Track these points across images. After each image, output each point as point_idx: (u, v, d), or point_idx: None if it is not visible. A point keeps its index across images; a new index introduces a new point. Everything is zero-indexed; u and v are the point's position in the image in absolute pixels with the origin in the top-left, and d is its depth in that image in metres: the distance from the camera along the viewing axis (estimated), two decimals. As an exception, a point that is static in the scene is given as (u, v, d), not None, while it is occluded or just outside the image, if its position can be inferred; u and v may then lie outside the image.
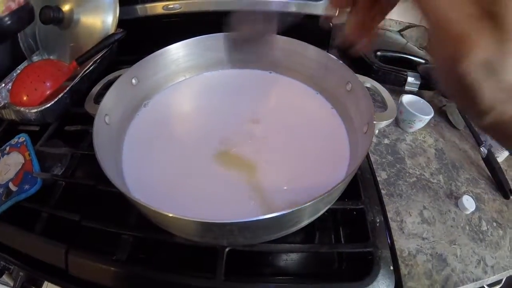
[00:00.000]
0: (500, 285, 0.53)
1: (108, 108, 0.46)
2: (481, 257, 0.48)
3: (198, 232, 0.37)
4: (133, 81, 0.51)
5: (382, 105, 0.47)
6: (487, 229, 0.51)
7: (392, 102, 0.44)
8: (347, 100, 0.49)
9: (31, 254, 0.46)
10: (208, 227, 0.33)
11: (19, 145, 0.56)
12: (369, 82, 0.47)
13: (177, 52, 0.55)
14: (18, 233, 0.47)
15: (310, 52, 0.52)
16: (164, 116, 0.54)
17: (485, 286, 0.50)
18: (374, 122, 0.40)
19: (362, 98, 0.44)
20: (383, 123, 0.42)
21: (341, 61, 0.49)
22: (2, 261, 0.51)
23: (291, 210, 0.31)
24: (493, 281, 0.48)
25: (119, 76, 0.48)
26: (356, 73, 0.47)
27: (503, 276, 0.48)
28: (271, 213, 0.30)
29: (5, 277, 0.54)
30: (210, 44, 0.56)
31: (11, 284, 0.54)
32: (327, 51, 0.52)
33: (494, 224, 0.52)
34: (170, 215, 0.32)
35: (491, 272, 0.46)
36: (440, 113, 0.68)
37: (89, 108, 0.45)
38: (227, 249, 0.41)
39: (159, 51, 0.53)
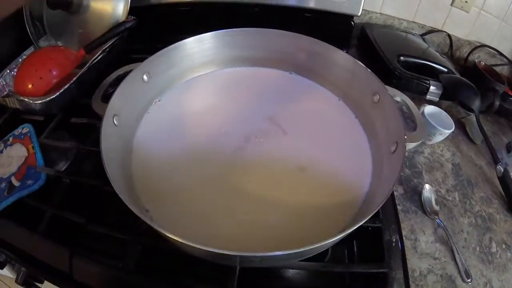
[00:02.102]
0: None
1: (117, 107, 0.41)
2: (488, 279, 0.45)
3: (212, 257, 0.33)
4: (145, 77, 0.45)
5: (405, 116, 0.42)
6: (496, 251, 0.48)
7: (422, 121, 0.40)
8: (373, 112, 0.44)
9: (33, 254, 0.43)
10: (224, 256, 0.29)
11: (22, 136, 0.51)
12: (399, 96, 0.42)
13: (193, 46, 0.49)
14: (20, 232, 0.44)
15: (336, 56, 0.47)
16: (177, 115, 0.49)
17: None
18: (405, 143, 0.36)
19: (391, 114, 0.39)
20: (413, 145, 0.38)
21: (369, 70, 0.43)
22: (4, 254, 0.48)
23: (316, 245, 0.27)
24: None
25: (129, 72, 0.43)
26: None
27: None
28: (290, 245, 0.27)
29: (6, 269, 0.51)
30: (229, 39, 0.50)
31: (14, 276, 0.51)
32: (347, 52, 0.46)
33: (504, 246, 0.49)
34: (185, 242, 0.27)
35: (496, 295, 0.44)
36: (458, 125, 0.63)
37: (96, 107, 0.40)
38: (239, 267, 0.38)
39: (173, 45, 0.47)
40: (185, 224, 0.37)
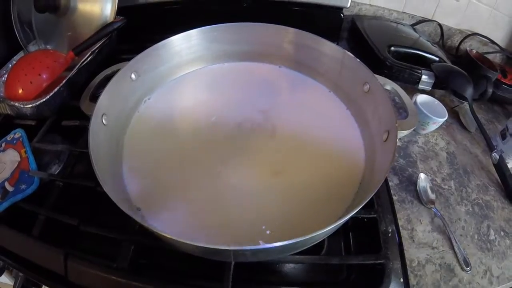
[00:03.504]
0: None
1: (105, 107, 0.40)
2: (488, 267, 0.44)
3: (205, 254, 0.32)
4: (133, 76, 0.44)
5: (397, 106, 0.41)
6: (495, 238, 0.47)
7: (414, 109, 0.39)
8: (364, 102, 0.43)
9: (29, 258, 0.42)
10: (216, 251, 0.28)
11: (15, 142, 0.50)
12: (389, 85, 0.41)
13: (180, 44, 0.48)
14: (15, 236, 0.43)
15: (324, 47, 0.46)
16: (166, 112, 0.48)
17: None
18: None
19: (382, 103, 0.38)
20: (404, 133, 0.37)
21: (359, 60, 0.42)
22: (1, 261, 0.47)
23: (307, 237, 0.26)
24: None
25: (117, 71, 0.42)
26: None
27: (507, 286, 0.44)
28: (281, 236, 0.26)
29: (5, 276, 0.50)
30: (216, 35, 0.49)
31: (12, 282, 0.50)
32: (337, 44, 0.45)
33: (502, 233, 0.48)
34: (175, 238, 0.27)
35: (496, 282, 0.43)
36: (452, 113, 0.62)
37: (84, 108, 0.39)
38: (233, 262, 0.37)
39: (160, 43, 0.46)
40: (177, 221, 0.36)
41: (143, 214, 0.37)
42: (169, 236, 0.27)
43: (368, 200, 0.31)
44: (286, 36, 0.47)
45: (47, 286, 0.43)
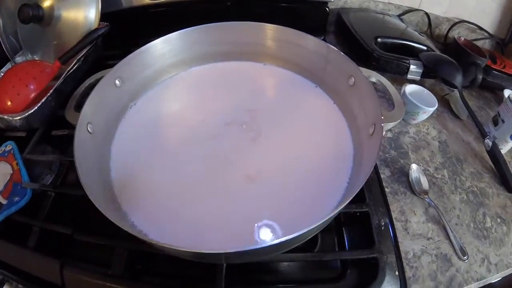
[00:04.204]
0: (498, 278, 0.49)
1: (90, 115, 0.39)
2: (485, 255, 0.43)
3: (197, 258, 0.32)
4: (117, 82, 0.44)
5: (386, 97, 0.40)
6: (491, 225, 0.46)
7: (400, 100, 0.38)
8: (350, 96, 0.42)
9: (26, 270, 0.42)
10: (204, 255, 0.28)
11: (6, 154, 0.50)
12: (374, 77, 0.40)
13: (162, 47, 0.48)
14: (11, 249, 0.43)
15: (307, 42, 0.45)
16: (154, 117, 0.47)
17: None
18: (382, 124, 0.34)
19: (367, 95, 0.38)
20: (391, 125, 0.36)
21: (342, 53, 0.41)
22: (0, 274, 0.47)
23: (295, 235, 0.26)
24: (496, 280, 0.44)
25: (100, 79, 0.41)
26: (355, 61, 0.41)
27: (505, 273, 0.44)
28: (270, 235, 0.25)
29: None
30: (197, 37, 0.48)
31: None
32: (324, 38, 0.44)
33: (498, 220, 0.47)
34: (165, 245, 0.26)
35: (495, 270, 0.43)
36: (442, 102, 0.61)
37: (69, 118, 0.39)
38: (225, 264, 0.36)
39: (142, 47, 0.46)
40: (167, 226, 0.36)
41: (132, 220, 0.36)
42: (154, 242, 0.27)
43: (355, 194, 0.31)
44: (268, 33, 0.47)
45: (44, 296, 0.42)
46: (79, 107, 0.40)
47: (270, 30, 0.46)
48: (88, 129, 0.38)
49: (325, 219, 0.29)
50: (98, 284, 0.38)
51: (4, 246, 0.43)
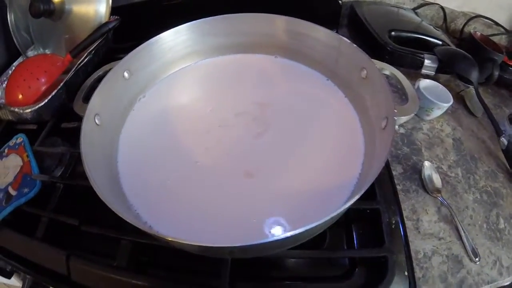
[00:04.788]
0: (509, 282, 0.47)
1: (98, 107, 0.39)
2: (497, 257, 0.42)
3: (201, 251, 0.31)
4: (125, 74, 0.43)
5: (399, 93, 0.38)
6: (505, 227, 0.44)
7: (414, 94, 0.36)
8: (362, 89, 0.41)
9: (33, 260, 0.42)
10: (211, 249, 0.27)
11: (17, 147, 0.50)
12: (387, 69, 0.38)
13: (173, 39, 0.47)
14: (19, 239, 0.43)
15: (319, 34, 0.44)
16: (162, 110, 0.47)
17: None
18: (395, 117, 0.32)
19: (379, 88, 0.36)
20: (404, 118, 0.34)
21: (355, 45, 0.40)
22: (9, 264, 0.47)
23: (302, 230, 0.25)
24: (508, 283, 0.42)
25: (109, 71, 0.41)
26: (369, 55, 0.39)
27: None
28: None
29: (14, 278, 0.50)
30: (209, 28, 0.47)
31: (20, 284, 0.50)
32: (336, 31, 0.43)
33: (512, 221, 0.45)
34: (170, 239, 0.26)
35: (507, 273, 0.41)
36: (457, 98, 0.58)
37: (77, 109, 0.39)
38: (230, 258, 0.36)
39: (152, 39, 0.45)
40: (173, 219, 0.35)
41: (138, 212, 0.36)
42: (158, 235, 0.26)
43: (366, 189, 0.29)
44: (279, 25, 0.45)
45: (51, 286, 0.43)
46: (87, 99, 0.40)
47: (282, 22, 0.45)
48: (96, 120, 0.38)
49: (334, 214, 0.28)
50: (103, 275, 0.38)
51: (13, 236, 0.44)
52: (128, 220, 0.28)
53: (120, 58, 0.46)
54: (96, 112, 0.38)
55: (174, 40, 0.46)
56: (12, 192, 0.46)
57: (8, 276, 0.50)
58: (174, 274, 0.38)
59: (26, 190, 0.45)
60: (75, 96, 0.52)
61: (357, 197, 0.29)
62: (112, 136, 0.41)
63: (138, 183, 0.38)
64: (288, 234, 0.25)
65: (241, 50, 0.50)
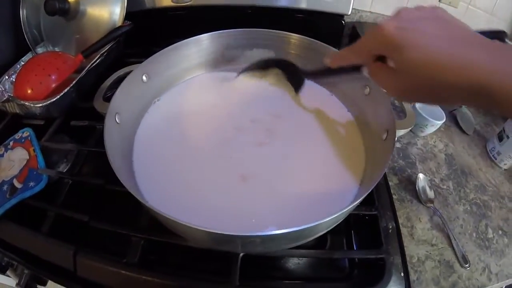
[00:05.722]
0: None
1: (118, 106, 0.43)
2: (486, 264, 0.47)
3: (217, 242, 0.36)
4: (144, 78, 0.48)
5: (397, 110, 0.45)
6: (493, 236, 0.51)
7: (411, 110, 0.43)
8: (365, 104, 0.47)
9: (37, 254, 0.44)
10: (229, 238, 0.32)
11: (23, 140, 0.53)
12: (388, 88, 0.45)
13: (189, 48, 0.52)
14: (24, 233, 0.45)
15: (327, 52, 0.50)
16: (175, 114, 0.51)
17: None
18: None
19: (381, 104, 0.42)
20: (402, 132, 0.41)
21: (359, 64, 0.47)
22: (6, 258, 0.49)
23: (316, 223, 0.30)
24: (498, 289, 0.48)
25: (129, 72, 0.46)
26: None
27: (506, 283, 0.48)
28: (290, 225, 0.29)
29: (5, 276, 0.52)
30: (223, 40, 0.53)
31: (16, 280, 0.52)
32: (338, 49, 0.49)
33: (500, 232, 0.51)
34: (192, 226, 0.30)
35: (495, 279, 0.46)
36: (450, 117, 0.66)
37: (98, 106, 0.43)
38: (241, 255, 0.40)
39: (170, 46, 0.50)
40: (187, 214, 0.39)
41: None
42: (180, 222, 0.30)
43: (368, 193, 0.35)
44: (291, 42, 0.52)
45: (55, 282, 0.45)
46: (106, 98, 0.45)
47: (294, 40, 0.52)
48: (116, 119, 0.42)
49: (339, 213, 0.33)
50: (112, 271, 0.41)
51: (17, 230, 0.46)
52: (147, 205, 0.32)
53: (130, 62, 0.51)
54: (116, 111, 0.42)
55: (192, 49, 0.52)
56: (18, 185, 0.48)
57: (2, 270, 0.52)
58: (184, 272, 0.42)
59: (32, 184, 0.48)
60: (83, 96, 0.57)
61: (361, 198, 0.35)
62: (129, 136, 0.46)
63: (152, 183, 0.42)
64: (298, 228, 0.30)
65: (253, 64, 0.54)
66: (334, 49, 0.50)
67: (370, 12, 0.82)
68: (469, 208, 0.53)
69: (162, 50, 0.49)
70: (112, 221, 0.45)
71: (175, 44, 0.50)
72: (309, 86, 0.54)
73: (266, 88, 0.55)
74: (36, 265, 0.44)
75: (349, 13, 0.68)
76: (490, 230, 0.51)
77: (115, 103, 0.42)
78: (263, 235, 0.30)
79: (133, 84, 0.46)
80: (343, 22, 0.71)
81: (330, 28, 0.70)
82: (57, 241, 0.44)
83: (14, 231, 0.46)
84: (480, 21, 0.80)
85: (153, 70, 0.49)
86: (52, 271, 0.44)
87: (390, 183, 0.53)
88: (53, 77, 0.56)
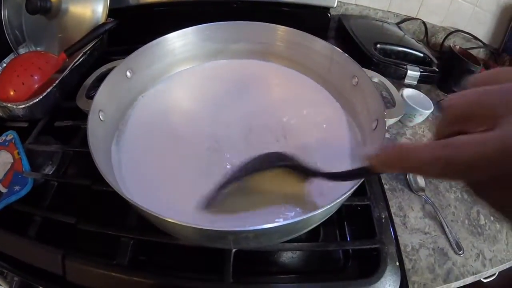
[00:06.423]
0: (494, 276, 0.53)
1: (102, 103, 0.42)
2: (480, 250, 0.47)
3: (208, 239, 0.34)
4: (128, 73, 0.47)
5: (385, 100, 0.44)
6: (485, 223, 0.51)
7: (400, 99, 0.42)
8: (353, 95, 0.46)
9: (25, 260, 0.43)
10: (221, 234, 0.30)
11: (7, 143, 0.51)
12: (376, 77, 0.44)
13: (173, 42, 0.51)
14: (10, 238, 0.44)
15: (314, 44, 0.49)
16: (161, 109, 0.50)
17: (481, 278, 0.50)
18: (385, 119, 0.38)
19: (369, 94, 0.42)
20: (392, 121, 0.40)
21: (347, 55, 0.46)
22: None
23: (309, 215, 0.29)
24: (490, 274, 0.48)
25: (112, 69, 0.44)
26: None
27: (500, 269, 0.48)
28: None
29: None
30: (208, 34, 0.52)
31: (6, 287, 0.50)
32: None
33: (492, 218, 0.51)
34: (182, 223, 0.28)
35: (489, 265, 0.46)
36: (438, 106, 0.66)
37: (81, 104, 0.41)
38: (233, 251, 0.39)
39: (154, 41, 0.49)
40: (176, 212, 0.38)
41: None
42: (169, 220, 0.29)
43: (359, 183, 0.34)
44: (278, 34, 0.51)
45: (43, 287, 0.43)
46: (89, 96, 0.43)
47: (280, 31, 0.51)
48: (100, 116, 0.41)
49: (331, 205, 0.32)
50: (102, 273, 0.40)
51: (3, 235, 0.44)
52: (150, 212, 0.30)
53: (114, 60, 0.49)
54: (100, 108, 0.41)
55: (177, 43, 0.50)
56: (3, 189, 0.46)
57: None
58: (175, 271, 0.41)
59: (17, 188, 0.46)
60: (67, 95, 0.55)
61: (352, 190, 0.34)
62: (113, 133, 0.44)
63: (138, 178, 0.41)
64: (292, 220, 0.29)
65: (239, 55, 0.55)
66: (320, 40, 0.49)
67: (355, 5, 0.82)
68: (460, 195, 0.53)
69: (146, 45, 0.47)
70: (100, 222, 0.43)
71: (159, 39, 0.48)
72: (298, 78, 0.53)
73: (253, 78, 0.54)
74: (25, 271, 0.43)
75: (335, 5, 0.68)
76: (482, 217, 0.51)
77: (99, 100, 0.41)
78: (256, 230, 0.29)
79: (117, 81, 0.45)
80: (329, 15, 0.70)
81: (316, 21, 0.70)
82: (45, 245, 0.42)
83: (0, 237, 0.44)
84: (465, 13, 0.80)
85: (137, 65, 0.48)
86: (41, 277, 0.42)
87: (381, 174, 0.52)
88: (36, 77, 0.53)
